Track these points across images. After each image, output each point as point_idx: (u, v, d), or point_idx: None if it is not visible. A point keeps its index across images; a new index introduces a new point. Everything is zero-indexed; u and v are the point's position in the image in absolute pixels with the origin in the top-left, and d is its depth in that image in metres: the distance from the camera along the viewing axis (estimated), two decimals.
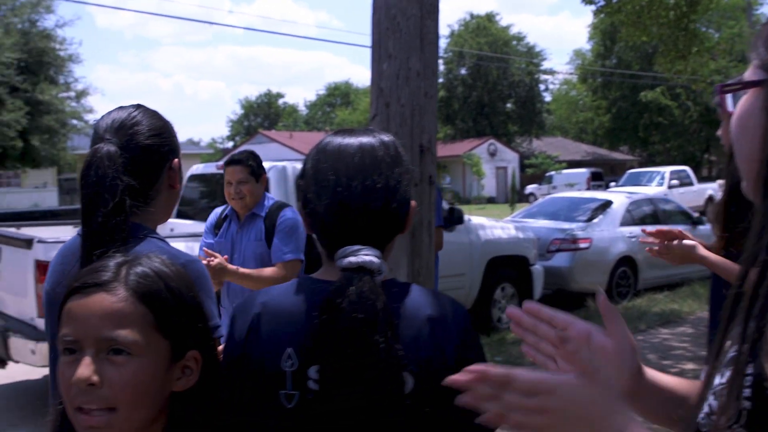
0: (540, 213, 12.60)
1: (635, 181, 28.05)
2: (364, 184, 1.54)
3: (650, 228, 3.19)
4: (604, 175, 42.03)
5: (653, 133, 55.42)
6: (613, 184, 33.06)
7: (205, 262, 3.69)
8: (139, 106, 1.94)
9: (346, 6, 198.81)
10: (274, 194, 7.05)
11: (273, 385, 1.49)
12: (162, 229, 5.70)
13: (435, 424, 1.53)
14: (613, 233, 11.26)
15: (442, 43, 58.64)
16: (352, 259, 1.50)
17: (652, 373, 1.27)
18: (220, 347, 1.61)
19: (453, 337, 1.57)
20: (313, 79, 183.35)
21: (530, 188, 44.25)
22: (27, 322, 5.86)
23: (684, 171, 28.57)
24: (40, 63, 26.43)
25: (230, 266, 3.96)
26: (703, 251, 2.99)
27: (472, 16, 60.93)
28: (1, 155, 24.65)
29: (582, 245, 10.79)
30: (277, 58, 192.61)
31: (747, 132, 0.98)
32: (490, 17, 60.77)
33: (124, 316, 1.24)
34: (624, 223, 11.48)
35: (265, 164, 7.44)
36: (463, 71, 59.13)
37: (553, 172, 44.15)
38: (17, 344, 5.95)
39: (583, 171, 41.58)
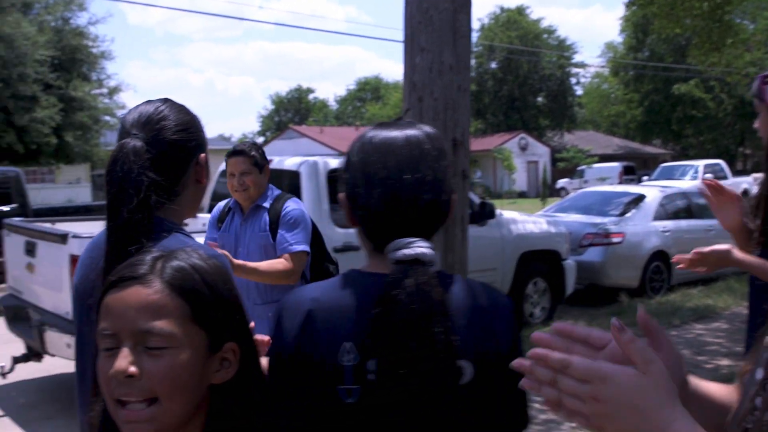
0: (572, 207, 12.51)
1: (668, 174, 27.80)
2: (415, 177, 1.55)
3: (709, 177, 3.12)
4: (636, 168, 41.71)
5: (686, 126, 54.87)
6: (645, 178, 32.81)
7: None
8: (166, 101, 1.93)
9: (375, 1, 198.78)
10: (306, 190, 7.05)
11: (330, 380, 1.48)
12: (194, 224, 5.74)
13: (492, 412, 1.54)
14: (646, 227, 11.14)
15: (472, 37, 58.50)
16: (406, 251, 1.51)
17: (696, 382, 1.25)
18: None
19: (503, 325, 1.59)
20: (343, 74, 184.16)
21: (561, 182, 44.02)
22: (62, 316, 5.92)
23: (718, 164, 28.28)
24: (73, 60, 26.68)
25: (236, 261, 3.88)
26: (738, 254, 2.91)
27: (502, 9, 60.77)
28: (35, 152, 24.92)
29: (615, 240, 10.70)
30: (307, 53, 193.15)
31: None
32: (520, 10, 60.51)
33: (159, 308, 1.24)
34: (657, 218, 11.36)
35: (297, 159, 7.51)
36: (493, 65, 58.94)
37: (584, 166, 43.86)
38: (53, 338, 6.03)
39: (615, 165, 41.29)
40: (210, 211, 4.95)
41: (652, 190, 12.26)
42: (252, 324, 1.64)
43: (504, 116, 57.81)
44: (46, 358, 6.67)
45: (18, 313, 6.88)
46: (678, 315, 9.33)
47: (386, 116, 62.17)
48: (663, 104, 54.86)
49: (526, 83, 58.03)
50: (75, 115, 25.63)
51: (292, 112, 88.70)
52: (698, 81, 50.61)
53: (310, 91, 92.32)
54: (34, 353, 6.71)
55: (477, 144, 48.21)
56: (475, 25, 65.50)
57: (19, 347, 7.02)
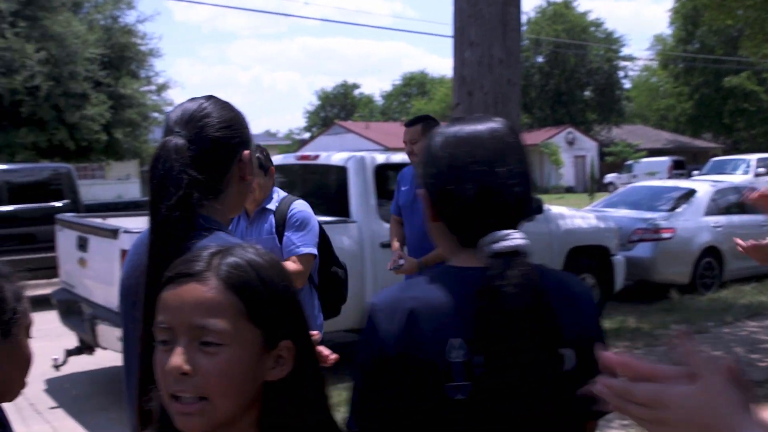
0: (621, 202, 12.38)
1: (719, 169, 27.27)
2: (508, 169, 1.55)
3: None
4: (686, 163, 41.05)
5: (738, 119, 53.92)
6: (696, 172, 32.28)
7: None
8: (210, 97, 1.92)
9: None
10: (353, 185, 7.06)
11: (438, 378, 1.47)
12: None
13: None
14: (697, 223, 10.97)
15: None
16: (504, 243, 1.50)
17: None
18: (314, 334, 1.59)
19: (591, 309, 1.63)
20: (389, 70, 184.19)
21: (609, 177, 43.53)
22: (113, 310, 6.01)
23: None
24: (122, 58, 27.01)
25: None
26: None
27: (549, 2, 60.10)
28: (86, 148, 25.30)
29: (665, 235, 10.55)
30: (353, 48, 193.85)
31: None
32: (567, 4, 59.87)
33: (214, 305, 1.24)
34: (709, 213, 11.19)
35: (344, 155, 7.51)
36: (540, 59, 58.42)
37: (632, 161, 43.30)
38: (104, 331, 6.12)
39: (665, 159, 40.69)
40: None
41: (703, 185, 12.07)
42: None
43: (551, 110, 57.31)
44: (98, 351, 6.78)
45: (71, 306, 7.01)
46: (731, 312, 9.18)
47: (432, 111, 62.06)
48: (714, 97, 53.95)
49: (573, 77, 57.44)
50: (124, 112, 25.97)
51: (338, 107, 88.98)
52: (750, 73, 49.59)
53: (355, 86, 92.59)
54: (86, 346, 6.83)
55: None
56: (522, 18, 65.06)
57: (71, 340, 7.15)
